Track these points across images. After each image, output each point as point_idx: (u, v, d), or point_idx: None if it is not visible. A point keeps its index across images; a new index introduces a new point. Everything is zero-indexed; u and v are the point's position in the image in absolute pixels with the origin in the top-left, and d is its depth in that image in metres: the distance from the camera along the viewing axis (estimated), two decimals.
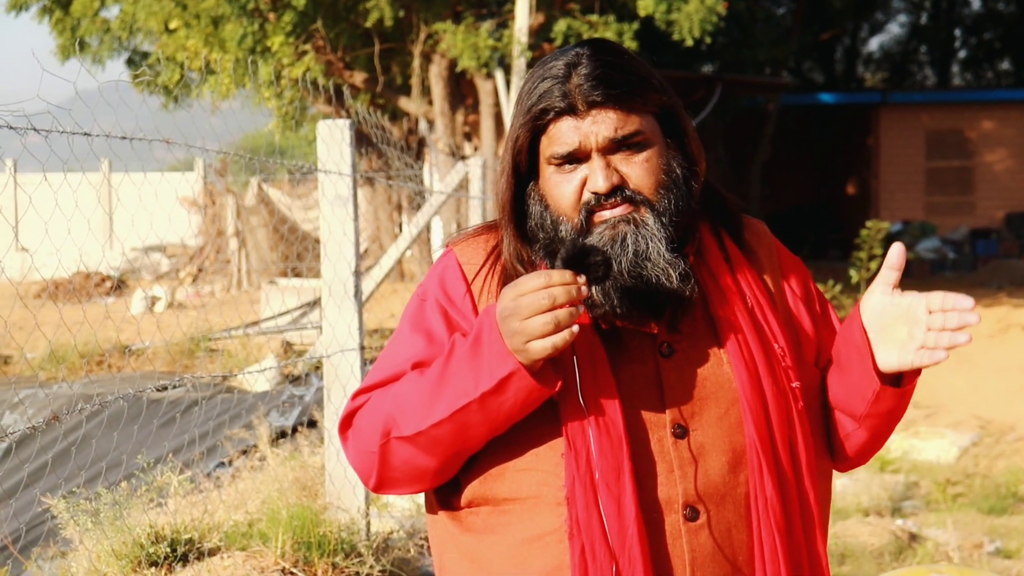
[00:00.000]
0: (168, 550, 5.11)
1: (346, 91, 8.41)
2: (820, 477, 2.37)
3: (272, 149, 16.53)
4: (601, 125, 2.23)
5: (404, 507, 6.63)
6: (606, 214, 2.24)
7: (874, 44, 55.39)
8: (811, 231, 28.03)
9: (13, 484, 7.50)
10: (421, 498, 6.71)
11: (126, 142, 4.63)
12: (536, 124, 2.26)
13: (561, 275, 2.12)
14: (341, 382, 5.88)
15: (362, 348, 5.93)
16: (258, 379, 10.91)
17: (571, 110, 2.23)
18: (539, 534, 2.25)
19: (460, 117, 17.65)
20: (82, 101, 4.54)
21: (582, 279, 2.14)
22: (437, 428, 2.23)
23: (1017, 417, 11.63)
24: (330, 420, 5.94)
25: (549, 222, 2.28)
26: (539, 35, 15.76)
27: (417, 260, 20.61)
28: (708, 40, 16.40)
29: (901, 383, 2.31)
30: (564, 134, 2.24)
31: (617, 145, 2.24)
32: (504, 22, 16.29)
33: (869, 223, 16.09)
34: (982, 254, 25.28)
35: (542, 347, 2.12)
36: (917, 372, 2.28)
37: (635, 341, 2.29)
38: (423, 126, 19.58)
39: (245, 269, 22.46)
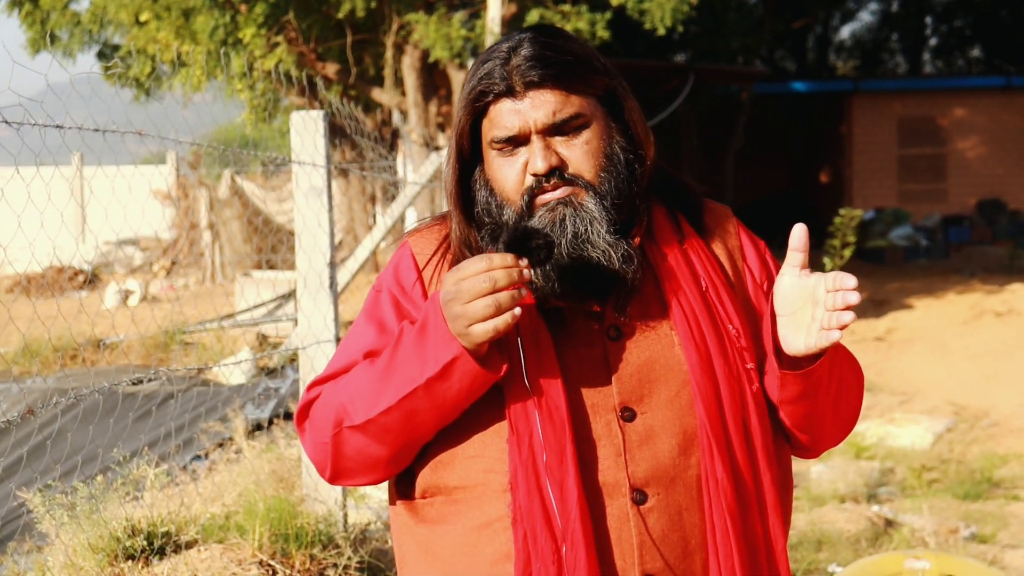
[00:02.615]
0: (145, 543, 5.10)
1: (319, 82, 8.39)
2: (778, 459, 2.36)
3: (245, 141, 16.48)
4: (539, 107, 2.24)
5: (381, 498, 6.63)
6: (547, 197, 2.24)
7: (846, 32, 55.57)
8: (785, 219, 28.07)
9: None
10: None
11: (98, 135, 4.60)
12: (476, 106, 2.28)
13: (502, 258, 2.14)
14: (317, 374, 5.86)
15: (338, 339, 5.92)
16: (233, 372, 10.88)
17: (509, 92, 2.25)
18: (487, 522, 2.26)
19: (433, 108, 17.62)
20: (54, 94, 4.52)
21: (524, 262, 2.16)
22: (386, 416, 2.24)
23: (991, 403, 11.68)
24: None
25: (494, 206, 2.29)
26: (512, 25, 15.74)
27: (392, 251, 20.57)
28: (680, 29, 16.42)
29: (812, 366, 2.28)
30: (504, 117, 2.25)
31: (556, 128, 2.24)
32: (476, 12, 16.27)
33: (842, 211, 16.12)
34: (955, 241, 25.39)
35: (484, 330, 2.13)
36: (826, 354, 2.25)
37: (582, 325, 2.29)
38: (396, 117, 19.55)
39: (219, 262, 22.40)
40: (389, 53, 17.41)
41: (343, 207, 21.86)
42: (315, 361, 5.89)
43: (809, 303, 2.22)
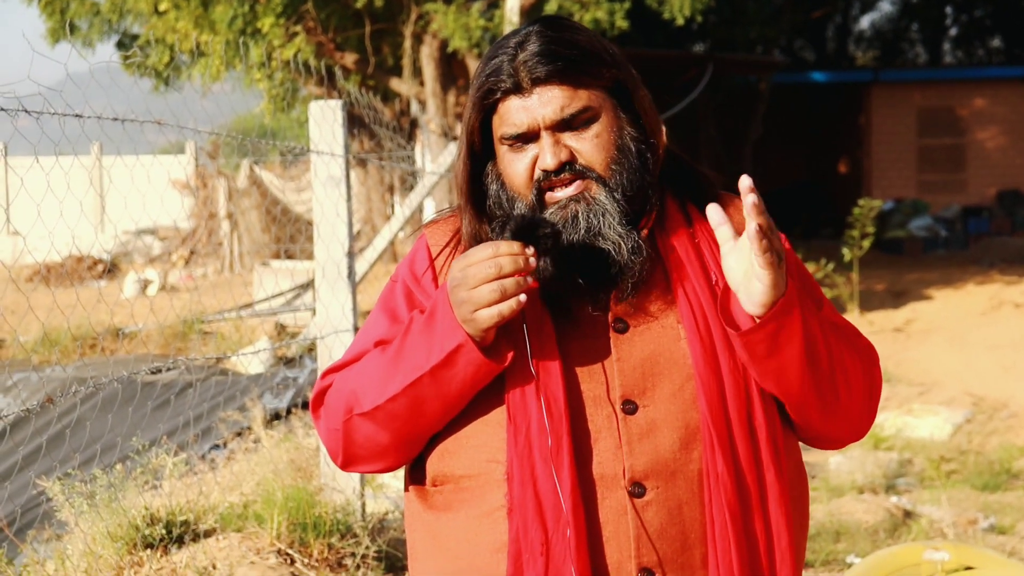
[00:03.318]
0: (164, 532, 5.12)
1: (337, 72, 8.39)
2: (787, 453, 2.33)
3: (263, 131, 16.51)
4: (547, 104, 2.24)
5: (399, 488, 6.64)
6: (558, 194, 2.25)
7: (865, 22, 55.39)
8: (803, 210, 28.02)
9: (8, 467, 7.50)
10: None
11: (117, 124, 4.61)
12: (484, 104, 2.28)
13: (509, 245, 2.14)
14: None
15: (356, 329, 5.92)
16: (252, 361, 10.91)
17: (517, 88, 2.24)
18: (488, 511, 2.26)
19: (452, 98, 17.61)
20: (73, 83, 4.53)
21: (530, 250, 2.16)
22: (393, 403, 2.25)
23: (1010, 394, 11.64)
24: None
25: (505, 200, 2.30)
26: (530, 15, 15.71)
27: (410, 241, 20.58)
28: (699, 19, 16.37)
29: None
30: (512, 114, 2.25)
31: (565, 123, 2.24)
32: (495, 2, 16.25)
33: (861, 201, 16.08)
34: (974, 232, 25.30)
35: (489, 315, 2.14)
36: (784, 298, 2.16)
37: (588, 316, 2.29)
38: (415, 107, 19.54)
39: (237, 251, 22.43)
40: (408, 43, 17.39)
41: (361, 197, 21.87)
42: (333, 350, 5.89)
43: (749, 263, 2.17)
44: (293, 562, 5.19)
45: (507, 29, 14.92)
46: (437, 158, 14.32)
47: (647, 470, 2.23)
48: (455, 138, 16.38)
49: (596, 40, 2.29)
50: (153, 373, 9.14)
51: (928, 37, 37.36)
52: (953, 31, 37.03)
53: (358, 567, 5.32)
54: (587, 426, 2.24)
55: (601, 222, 2.22)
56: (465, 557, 2.28)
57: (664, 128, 2.35)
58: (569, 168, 2.24)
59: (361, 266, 9.97)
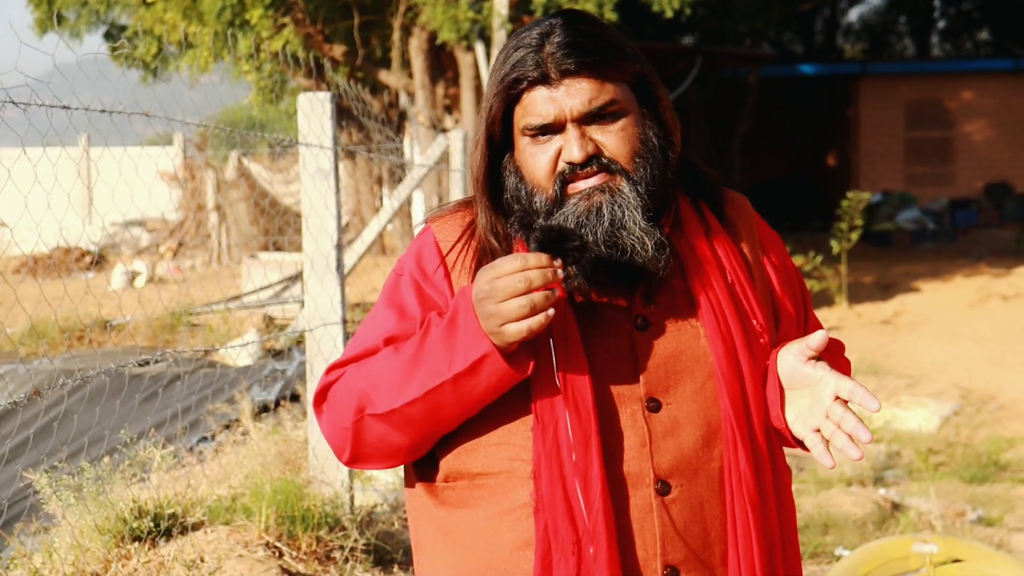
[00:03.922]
0: (151, 525, 5.10)
1: (326, 64, 8.37)
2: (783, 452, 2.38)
3: (252, 123, 16.46)
4: (575, 95, 2.21)
5: (388, 481, 6.63)
6: (580, 184, 2.23)
7: (853, 15, 55.31)
8: (792, 203, 28.05)
9: None
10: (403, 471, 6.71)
11: (105, 116, 4.59)
12: (509, 94, 2.25)
13: (537, 258, 2.10)
14: (323, 356, 5.87)
15: (344, 322, 5.92)
16: (240, 353, 10.89)
17: (544, 79, 2.22)
18: (509, 508, 2.25)
19: (440, 90, 17.60)
20: (61, 74, 4.51)
21: (558, 263, 2.13)
22: (410, 407, 2.23)
23: (998, 386, 11.67)
24: (313, 394, 5.92)
25: (524, 193, 2.27)
26: (519, 7, 15.70)
27: (399, 234, 20.57)
28: (688, 12, 16.36)
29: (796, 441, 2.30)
30: (538, 105, 2.22)
31: (592, 115, 2.22)
32: None
33: (850, 194, 16.11)
34: (962, 224, 25.35)
35: (517, 330, 2.11)
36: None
37: (610, 314, 2.28)
38: (403, 99, 19.52)
39: (225, 243, 22.40)
40: (396, 35, 17.38)
41: (350, 189, 21.85)
42: (321, 343, 5.88)
43: (808, 392, 2.22)
44: (281, 555, 5.18)
45: (496, 21, 14.90)
46: (426, 150, 14.30)
47: (672, 468, 2.24)
48: (444, 130, 16.37)
49: (619, 35, 2.29)
50: (141, 365, 9.12)
51: (916, 30, 37.39)
52: (941, 24, 37.06)
53: (346, 560, 5.31)
54: (614, 425, 2.23)
55: (625, 215, 2.21)
56: (482, 554, 2.27)
57: (679, 125, 2.34)
58: (595, 161, 2.22)
59: (350, 259, 9.95)
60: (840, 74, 29.18)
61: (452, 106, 19.62)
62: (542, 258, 2.11)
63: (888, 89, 27.65)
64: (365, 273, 15.92)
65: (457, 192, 11.46)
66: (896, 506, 7.26)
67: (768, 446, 2.29)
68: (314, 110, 5.89)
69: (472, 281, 2.21)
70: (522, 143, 2.27)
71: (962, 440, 9.49)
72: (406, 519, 6.06)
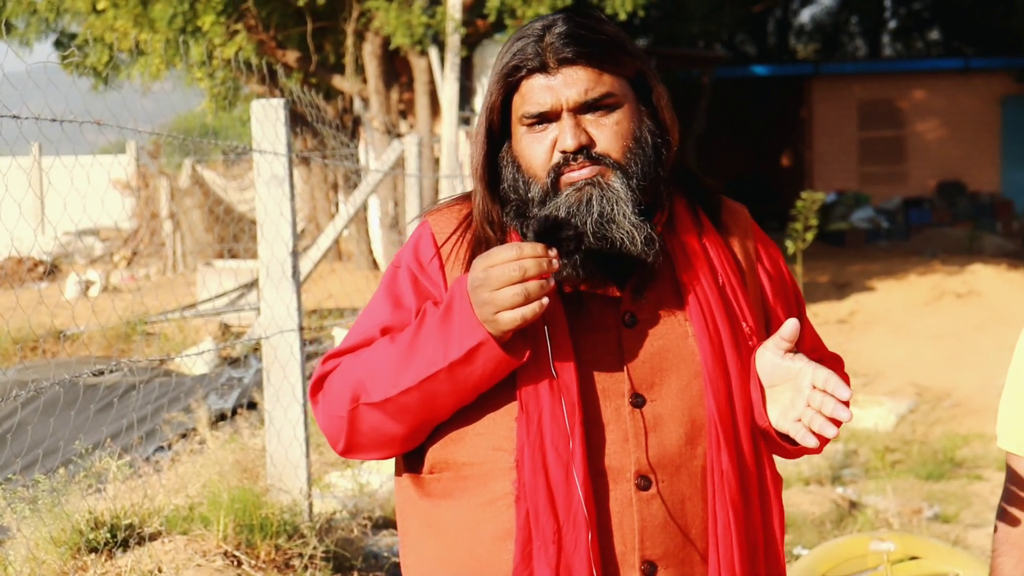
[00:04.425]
0: (108, 536, 5.07)
1: (279, 70, 8.34)
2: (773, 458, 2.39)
3: (205, 130, 16.39)
4: (572, 85, 2.25)
5: (347, 487, 6.61)
6: (573, 175, 2.25)
7: (805, 16, 55.69)
8: (747, 203, 28.00)
9: None
10: (364, 478, 6.69)
11: (56, 124, 4.56)
12: (508, 81, 2.29)
13: (532, 247, 2.13)
14: (280, 363, 5.84)
15: (301, 329, 5.89)
16: (196, 362, 10.83)
17: (543, 67, 2.26)
18: (491, 499, 2.27)
19: (395, 95, 17.56)
20: (10, 84, 4.47)
21: (553, 252, 2.16)
22: (406, 395, 2.25)
23: (953, 383, 11.76)
24: (270, 402, 5.90)
25: (520, 183, 2.30)
26: (473, 11, 15.70)
27: (355, 239, 20.52)
28: (641, 14, 16.40)
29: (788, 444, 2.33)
30: (536, 93, 2.26)
31: (588, 106, 2.26)
32: None
33: (804, 194, 16.16)
34: (915, 223, 25.51)
35: (511, 318, 2.14)
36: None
37: (599, 309, 2.30)
38: (358, 104, 19.48)
39: (180, 251, 22.28)
40: (350, 40, 17.34)
41: (305, 195, 21.77)
42: (278, 350, 5.86)
43: (789, 386, 2.24)
44: (240, 564, 5.15)
45: (450, 25, 14.89)
46: (381, 156, 14.28)
47: (653, 464, 2.26)
48: (399, 135, 16.36)
49: (620, 32, 2.32)
50: (96, 375, 9.06)
51: (868, 30, 37.61)
52: (892, 24, 37.30)
53: (305, 568, 5.29)
54: (597, 418, 2.26)
55: (615, 209, 2.23)
56: (465, 545, 2.29)
57: (678, 125, 2.36)
58: (586, 153, 2.25)
59: (306, 265, 9.93)
60: (793, 75, 29.32)
61: (407, 111, 19.60)
62: (537, 247, 2.14)
63: (841, 89, 27.81)
64: (321, 279, 15.87)
65: (413, 197, 11.44)
66: (854, 504, 7.29)
67: (754, 448, 2.30)
68: (268, 116, 5.86)
69: (466, 272, 2.24)
70: (519, 132, 2.30)
71: (918, 438, 9.55)
72: (365, 525, 6.05)
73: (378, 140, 16.99)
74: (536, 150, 2.28)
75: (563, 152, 2.25)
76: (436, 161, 16.51)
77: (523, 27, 2.32)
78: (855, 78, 28.24)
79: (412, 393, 2.24)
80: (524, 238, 2.26)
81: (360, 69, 17.67)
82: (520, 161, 2.30)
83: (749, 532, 2.29)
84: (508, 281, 2.12)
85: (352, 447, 2.37)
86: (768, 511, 2.33)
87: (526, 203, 2.28)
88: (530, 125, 2.28)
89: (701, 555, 2.28)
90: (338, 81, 18.14)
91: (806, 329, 2.51)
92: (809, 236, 16.12)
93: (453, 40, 15.10)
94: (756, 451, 2.31)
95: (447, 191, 14.56)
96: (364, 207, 17.56)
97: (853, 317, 16.17)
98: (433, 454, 2.34)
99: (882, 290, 18.01)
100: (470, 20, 15.59)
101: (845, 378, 2.46)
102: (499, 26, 15.77)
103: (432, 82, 16.48)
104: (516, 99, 2.30)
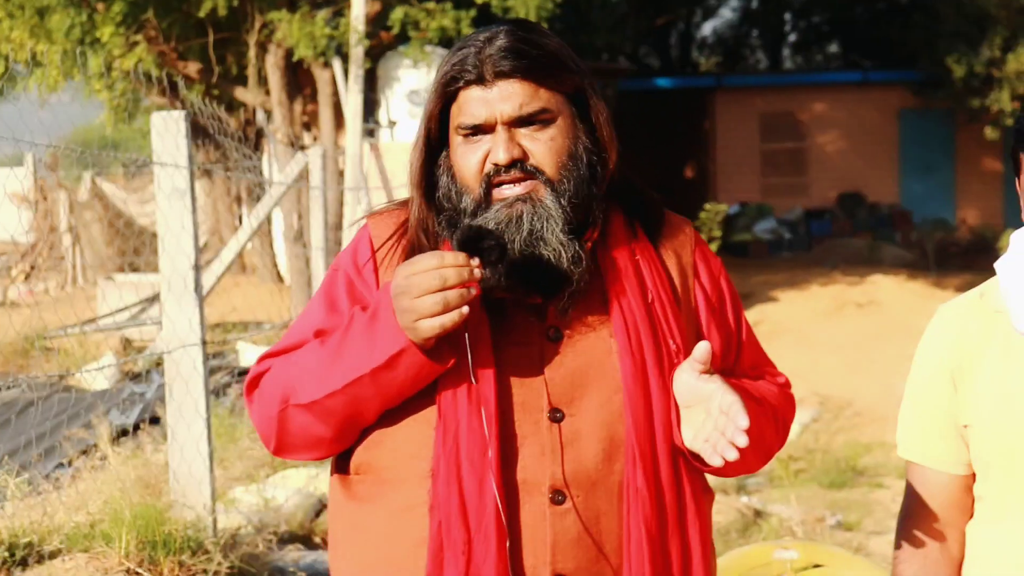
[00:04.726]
0: (6, 554, 4.98)
1: (180, 82, 8.26)
2: (701, 472, 2.39)
3: (105, 142, 16.17)
4: (507, 99, 2.25)
5: (251, 502, 6.55)
6: (505, 191, 2.26)
7: (708, 29, 56.23)
8: None
9: None
10: (269, 493, 6.63)
11: None
12: (446, 91, 2.30)
13: (455, 257, 2.15)
14: (183, 378, 5.78)
15: (204, 343, 5.84)
16: (96, 377, 10.68)
17: (480, 80, 2.26)
18: (408, 506, 2.28)
19: (298, 107, 17.46)
20: None
21: (475, 262, 2.16)
22: (331, 399, 2.26)
23: (854, 393, 11.91)
24: (173, 417, 5.83)
25: (454, 193, 2.31)
26: (376, 23, 15.66)
27: (258, 252, 20.37)
28: (545, 26, 16.45)
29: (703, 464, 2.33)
30: (471, 105, 2.27)
31: (522, 120, 2.26)
32: (340, 10, 16.14)
33: (707, 206, 16.34)
34: (817, 234, 25.81)
35: (430, 326, 2.15)
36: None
37: (524, 322, 2.31)
38: (261, 116, 19.34)
39: (80, 265, 21.97)
40: (252, 52, 17.20)
41: (207, 208, 21.57)
42: (181, 365, 5.79)
43: (702, 407, 2.25)
44: None
45: (353, 38, 14.85)
46: (284, 168, 14.18)
47: (569, 479, 2.26)
48: (302, 147, 16.25)
49: (563, 47, 2.32)
50: None
51: (768, 43, 38.04)
52: (792, 37, 37.76)
53: None
54: (514, 431, 2.26)
55: (545, 227, 2.24)
56: (383, 550, 2.30)
57: (617, 146, 2.37)
58: (520, 166, 2.26)
59: (208, 279, 9.83)
60: (696, 87, 29.57)
61: (310, 123, 19.49)
62: (459, 256, 2.15)
63: (743, 102, 28.10)
64: (225, 293, 15.74)
65: (317, 209, 11.38)
66: (758, 513, 7.36)
67: (673, 466, 2.30)
68: (168, 129, 5.80)
69: None
70: (455, 142, 2.31)
71: (821, 446, 9.66)
72: (271, 541, 6.00)
73: (281, 152, 16.88)
74: (469, 160, 2.28)
75: (495, 164, 2.25)
76: (340, 173, 16.43)
77: (468, 37, 2.32)
78: (756, 91, 28.54)
79: (337, 397, 2.26)
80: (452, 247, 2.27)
81: (263, 81, 17.55)
82: (455, 170, 2.31)
83: (664, 551, 2.29)
84: (428, 289, 2.13)
85: (283, 447, 2.38)
86: (684, 529, 2.32)
87: (458, 213, 2.29)
88: (465, 136, 2.29)
89: (615, 571, 2.28)
90: (241, 93, 18.00)
91: (746, 347, 2.52)
92: (712, 247, 16.27)
93: (357, 52, 15.04)
94: (675, 469, 2.30)
95: (351, 204, 14.51)
96: (268, 220, 17.43)
97: (757, 328, 16.27)
98: (358, 456, 2.35)
99: (785, 301, 18.21)
100: (374, 32, 15.55)
101: (784, 399, 2.49)
102: (403, 38, 15.75)
103: (336, 94, 16.41)
104: (453, 109, 2.30)
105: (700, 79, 31.66)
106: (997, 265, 2.48)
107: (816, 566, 3.92)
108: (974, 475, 2.53)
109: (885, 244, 24.18)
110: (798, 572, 3.90)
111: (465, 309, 2.14)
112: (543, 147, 2.27)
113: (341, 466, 2.40)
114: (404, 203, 2.46)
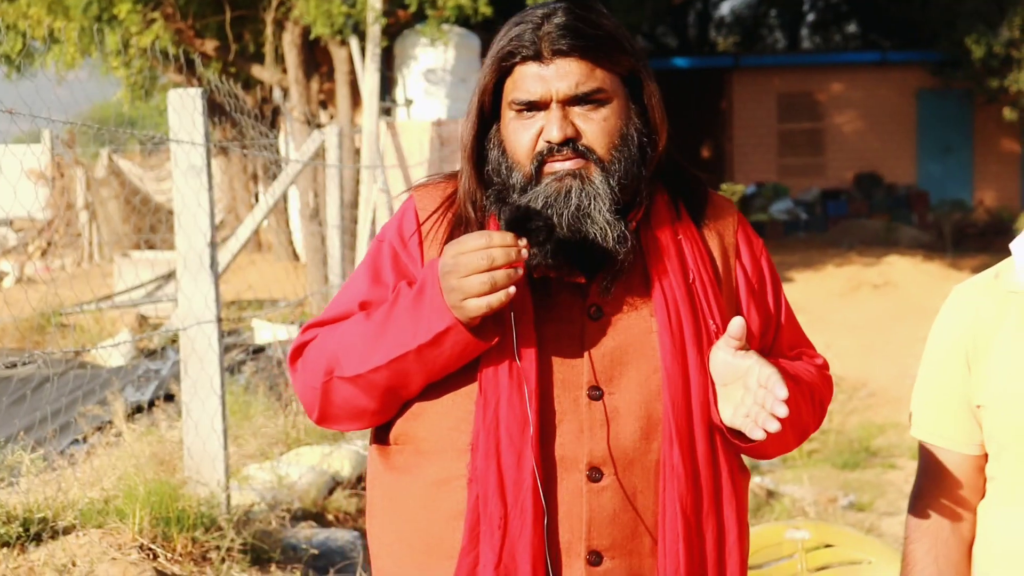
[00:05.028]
0: (20, 530, 5.00)
1: (197, 60, 8.25)
2: (738, 453, 2.40)
3: (122, 120, 16.19)
4: (564, 77, 2.26)
5: (265, 479, 6.57)
6: (556, 166, 2.27)
7: (725, 8, 56.12)
8: None
9: None
10: (282, 470, 6.64)
11: None
12: (502, 66, 2.30)
13: (502, 237, 2.16)
14: (198, 355, 5.79)
15: (219, 320, 5.85)
16: (112, 354, 10.71)
17: (537, 56, 2.27)
18: (446, 478, 2.30)
19: (315, 85, 17.45)
20: None
21: (523, 242, 2.18)
22: (375, 373, 2.28)
23: (869, 373, 11.89)
24: (188, 394, 5.84)
25: (504, 167, 2.32)
26: (393, 1, 15.63)
27: (274, 230, 20.39)
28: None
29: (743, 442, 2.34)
30: (527, 81, 2.28)
31: (577, 99, 2.27)
32: None
33: (724, 186, 16.31)
34: (833, 214, 25.75)
35: (477, 306, 2.16)
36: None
37: (566, 300, 2.32)
38: (277, 94, 19.33)
39: (96, 242, 22.03)
40: (269, 29, 17.19)
41: (224, 186, 21.60)
42: (196, 342, 5.80)
43: (740, 383, 2.25)
44: (156, 557, 5.10)
45: (370, 15, 14.82)
46: (300, 146, 14.19)
47: (606, 456, 2.27)
48: (319, 125, 16.26)
49: (620, 28, 2.33)
50: (9, 368, 8.93)
51: (787, 23, 37.90)
52: (811, 17, 37.62)
53: (223, 560, 5.25)
54: (553, 407, 2.28)
55: (592, 204, 2.25)
56: (420, 521, 2.32)
57: (667, 128, 2.38)
58: (572, 146, 2.27)
59: (224, 256, 9.85)
60: (713, 67, 29.48)
61: (327, 101, 19.49)
62: (507, 237, 2.16)
63: (760, 82, 28.01)
64: (240, 270, 15.76)
65: (333, 187, 11.38)
66: (771, 494, 7.36)
67: (710, 445, 2.31)
68: (185, 106, 5.80)
69: (441, 253, 2.25)
70: (508, 117, 2.32)
71: (835, 427, 9.65)
72: (284, 517, 6.02)
73: (298, 130, 16.88)
74: (522, 137, 2.29)
75: (548, 142, 2.26)
76: (357, 152, 16.43)
77: (524, 12, 2.33)
78: (774, 71, 28.45)
79: (382, 371, 2.28)
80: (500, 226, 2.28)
81: (280, 59, 17.54)
82: (506, 145, 2.32)
83: (699, 529, 2.30)
84: (476, 269, 2.15)
85: (326, 417, 2.41)
86: (720, 508, 2.33)
87: (507, 188, 2.30)
88: (519, 111, 2.30)
89: (650, 547, 2.30)
90: (257, 71, 17.99)
91: (785, 328, 2.52)
92: None
93: (374, 30, 15.02)
94: (712, 448, 2.31)
95: (368, 182, 14.51)
96: (284, 198, 17.45)
97: None
98: (397, 427, 2.37)
99: (800, 281, 18.18)
100: (391, 10, 15.52)
101: (822, 379, 2.49)
102: (420, 16, 15.72)
103: (353, 72, 16.39)
104: (508, 83, 2.31)
105: (718, 59, 31.56)
106: (1013, 246, 2.48)
107: (828, 546, 3.92)
108: (987, 455, 2.52)
109: (902, 225, 24.11)
110: (809, 551, 3.90)
111: (512, 289, 2.16)
112: (596, 127, 2.28)
113: (381, 436, 2.43)
114: (449, 176, 2.47)
